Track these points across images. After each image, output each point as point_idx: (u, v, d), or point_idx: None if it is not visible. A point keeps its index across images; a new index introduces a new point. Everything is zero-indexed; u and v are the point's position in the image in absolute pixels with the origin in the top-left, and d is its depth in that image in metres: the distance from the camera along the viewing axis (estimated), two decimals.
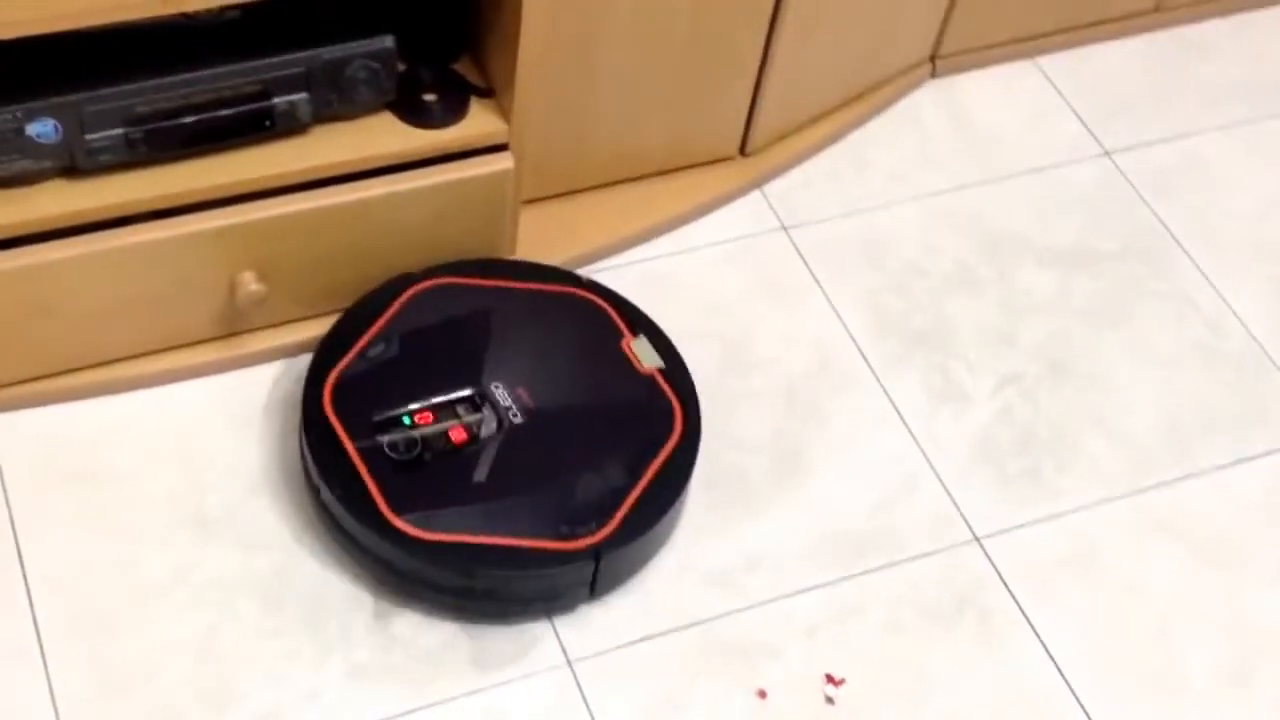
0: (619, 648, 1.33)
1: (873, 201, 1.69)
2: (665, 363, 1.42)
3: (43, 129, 1.28)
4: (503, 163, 1.44)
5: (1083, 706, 1.34)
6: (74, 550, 1.33)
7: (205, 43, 1.32)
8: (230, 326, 1.45)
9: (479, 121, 1.43)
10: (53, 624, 1.28)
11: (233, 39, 1.33)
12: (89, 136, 1.29)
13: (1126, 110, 1.82)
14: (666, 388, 1.40)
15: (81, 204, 1.33)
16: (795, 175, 1.70)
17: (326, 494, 1.33)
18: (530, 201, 1.55)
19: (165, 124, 1.31)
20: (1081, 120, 1.81)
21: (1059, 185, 1.75)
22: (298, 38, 1.34)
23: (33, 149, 1.28)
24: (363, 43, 1.34)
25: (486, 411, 1.36)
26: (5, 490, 1.36)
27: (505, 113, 1.43)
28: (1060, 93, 1.83)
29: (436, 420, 1.35)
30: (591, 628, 1.34)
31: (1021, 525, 1.46)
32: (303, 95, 1.35)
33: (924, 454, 1.49)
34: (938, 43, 1.78)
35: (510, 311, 1.44)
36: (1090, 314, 1.63)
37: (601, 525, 1.31)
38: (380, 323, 1.42)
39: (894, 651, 1.36)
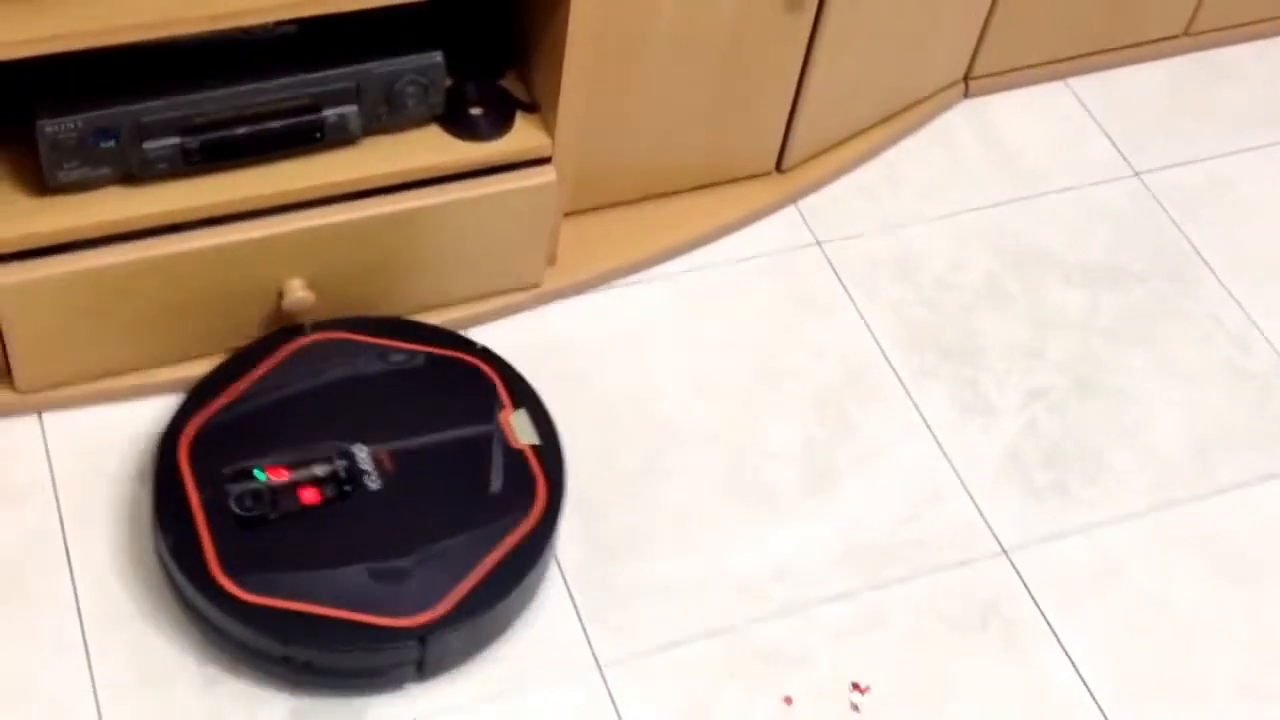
0: (648, 653, 1.34)
1: (905, 218, 1.70)
2: (541, 440, 1.35)
3: (102, 138, 1.30)
4: (546, 176, 1.46)
5: (1106, 718, 1.34)
6: (119, 546, 1.35)
7: (259, 56, 1.34)
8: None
9: (523, 135, 1.45)
10: (95, 618, 1.31)
11: (286, 53, 1.35)
12: (146, 145, 1.31)
13: (1156, 132, 1.83)
14: (536, 465, 1.34)
15: (137, 210, 1.34)
16: (829, 191, 1.71)
17: (159, 544, 1.29)
18: (570, 214, 1.56)
19: (219, 134, 1.33)
20: (1112, 141, 1.81)
21: (1089, 204, 1.75)
22: (349, 53, 1.36)
23: (92, 157, 1.30)
24: (412, 58, 1.36)
25: (343, 473, 1.30)
26: (55, 487, 1.38)
27: (549, 127, 1.44)
28: (1091, 114, 1.84)
29: (290, 476, 1.29)
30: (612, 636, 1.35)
31: (1047, 538, 1.46)
32: (353, 108, 1.36)
33: (952, 466, 1.50)
34: (971, 64, 1.78)
35: (393, 373, 1.39)
36: (1118, 331, 1.63)
37: (432, 606, 1.25)
38: (258, 372, 1.37)
39: (919, 661, 1.36)
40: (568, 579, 1.37)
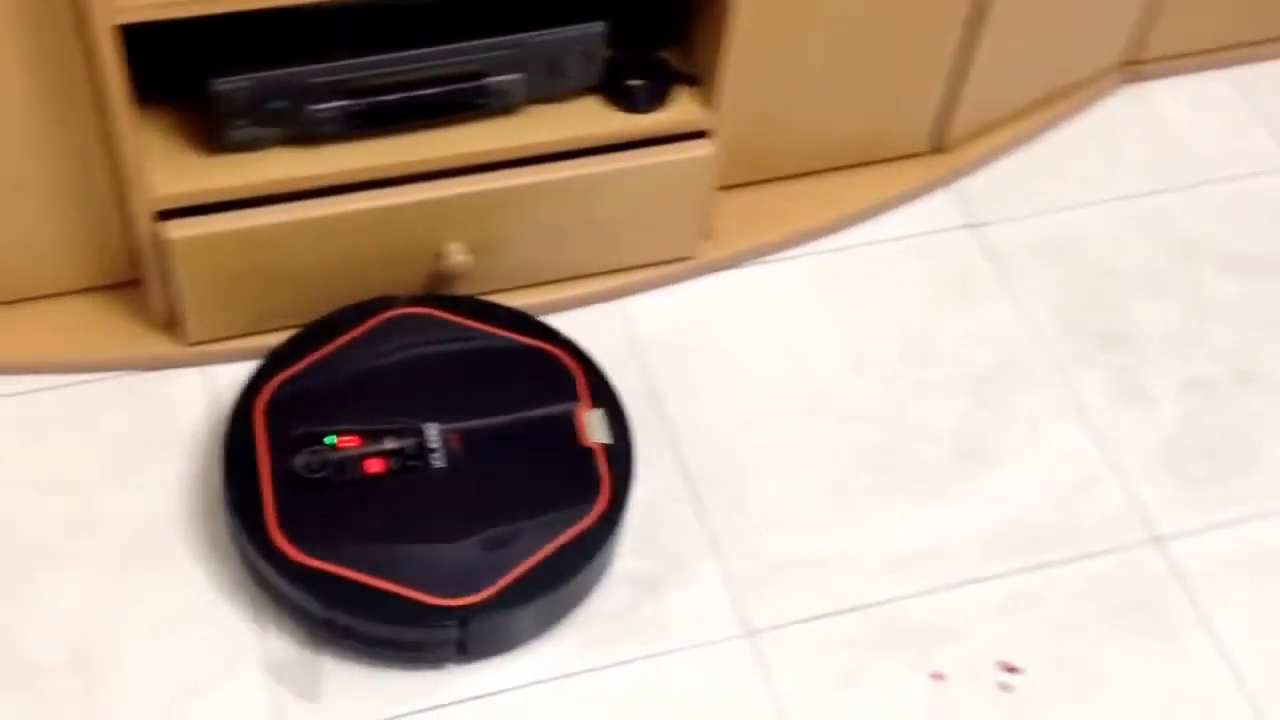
0: (799, 623, 1.33)
1: (1062, 203, 1.66)
2: (613, 440, 1.33)
3: (272, 99, 1.32)
4: (703, 149, 1.45)
5: (1257, 709, 1.30)
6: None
7: (427, 23, 1.35)
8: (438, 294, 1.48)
9: (682, 108, 1.44)
10: None
11: (453, 20, 1.36)
12: (313, 107, 1.33)
13: None
14: (604, 466, 1.31)
15: (303, 171, 1.36)
16: (985, 174, 1.68)
17: (225, 496, 1.30)
18: (725, 188, 1.56)
19: (386, 98, 1.35)
20: (1274, 133, 1.76)
21: (1249, 195, 1.70)
22: (514, 21, 1.36)
23: (261, 117, 1.33)
24: (575, 28, 1.36)
25: (410, 449, 1.30)
26: (214, 439, 1.41)
27: (708, 100, 1.44)
28: (1253, 104, 1.78)
29: (360, 446, 1.30)
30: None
31: (1201, 529, 1.42)
32: (516, 76, 1.37)
33: (1106, 453, 1.46)
34: (1135, 49, 1.74)
35: (474, 355, 1.38)
36: (1278, 323, 1.58)
37: (476, 589, 1.24)
38: (342, 340, 1.38)
39: (1070, 645, 1.33)
40: (719, 546, 1.37)
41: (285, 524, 1.26)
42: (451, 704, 1.26)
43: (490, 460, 1.31)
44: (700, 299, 1.55)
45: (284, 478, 1.29)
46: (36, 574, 1.30)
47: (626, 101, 1.43)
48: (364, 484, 1.29)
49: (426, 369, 1.37)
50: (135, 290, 1.45)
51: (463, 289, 1.47)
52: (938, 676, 1.31)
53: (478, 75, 1.36)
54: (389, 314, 1.40)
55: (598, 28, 1.37)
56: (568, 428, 1.34)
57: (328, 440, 1.30)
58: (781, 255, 1.58)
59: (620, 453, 1.33)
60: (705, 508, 1.40)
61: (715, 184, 1.51)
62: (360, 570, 1.24)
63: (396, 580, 1.24)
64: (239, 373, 1.45)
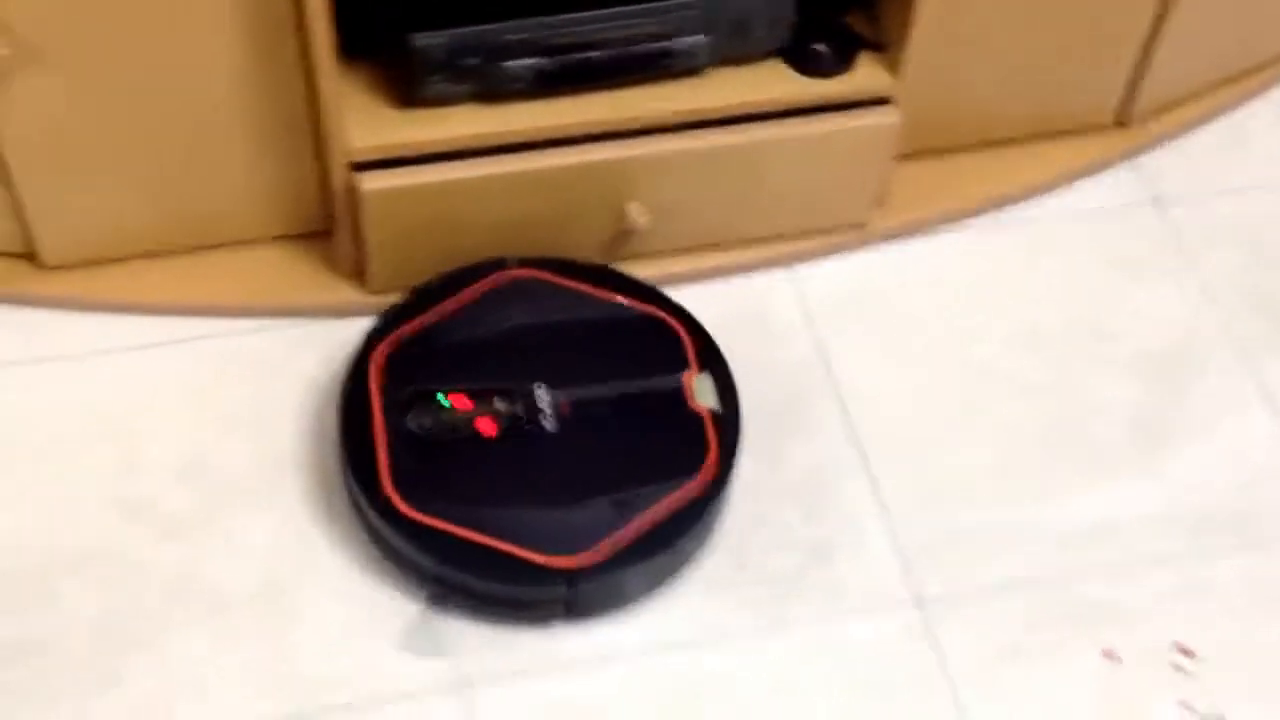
0: (970, 595, 1.33)
1: (1250, 182, 1.62)
2: (722, 407, 1.33)
3: (467, 55, 1.34)
4: (886, 117, 1.44)
5: None
6: None
7: None
8: (611, 254, 1.48)
9: (866, 74, 1.43)
10: None
11: None
12: (506, 64, 1.35)
13: None
14: (711, 431, 1.31)
15: (491, 127, 1.38)
16: (1171, 150, 1.64)
17: (340, 450, 1.32)
18: (901, 157, 1.54)
19: (576, 57, 1.36)
20: None
21: None
22: None
23: (456, 73, 1.35)
24: None
25: (521, 411, 1.31)
26: None
27: (893, 67, 1.42)
28: None
29: (472, 407, 1.31)
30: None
31: None
32: (702, 38, 1.37)
33: None
34: None
35: (586, 321, 1.39)
36: None
37: (583, 551, 1.25)
38: (458, 301, 1.38)
39: (1248, 631, 1.31)
40: (889, 514, 1.37)
41: (399, 481, 1.28)
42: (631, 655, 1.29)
43: (598, 426, 1.32)
44: (872, 267, 1.54)
45: (397, 434, 1.31)
46: (226, 511, 1.34)
47: (811, 66, 1.42)
48: (475, 444, 1.30)
49: (538, 333, 1.38)
50: (324, 240, 1.49)
51: (640, 249, 1.49)
52: (1110, 655, 1.29)
53: (665, 36, 1.36)
54: (502, 276, 1.41)
55: None
56: (676, 394, 1.34)
57: (440, 398, 1.33)
58: (957, 226, 1.56)
59: (729, 419, 1.33)
60: (875, 476, 1.40)
61: (895, 152, 1.50)
62: (469, 528, 1.26)
63: (504, 539, 1.25)
64: None
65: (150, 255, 1.46)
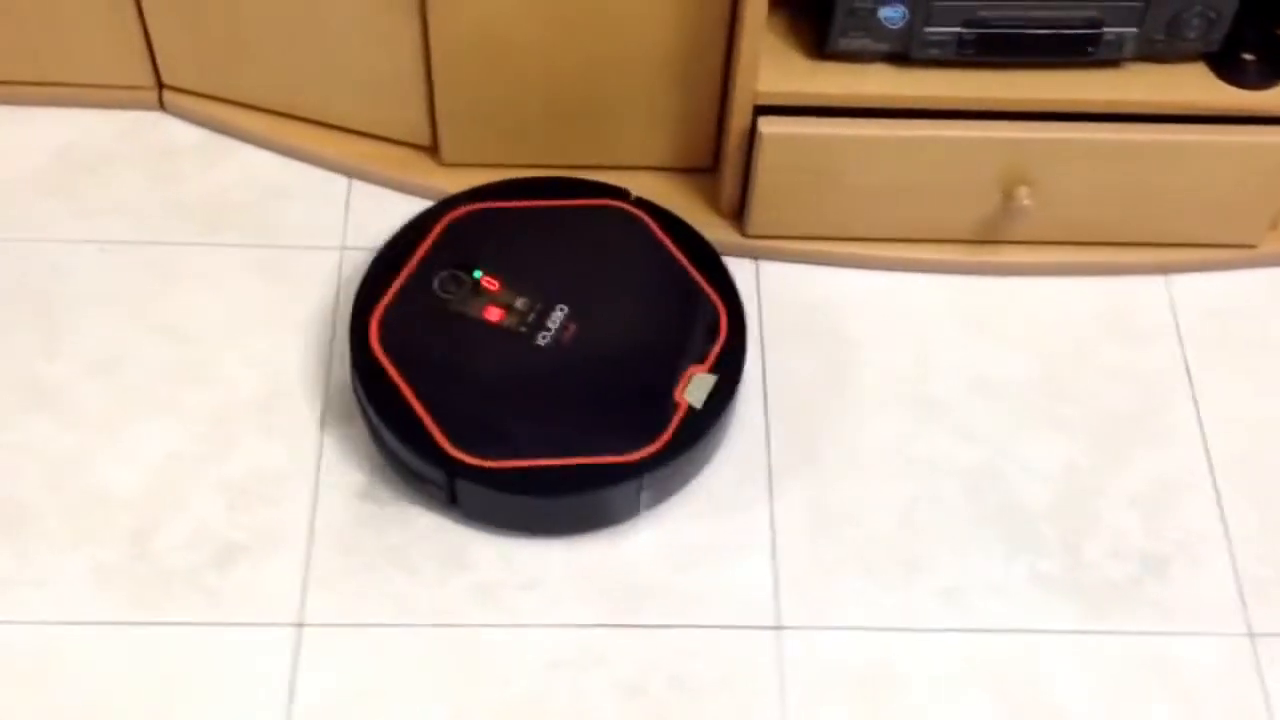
0: None
1: None
2: (702, 408, 1.27)
3: (893, 14, 1.31)
4: None
5: None
6: (803, 393, 1.37)
7: None
8: (986, 234, 1.44)
9: None
10: (779, 454, 1.34)
11: None
12: (928, 29, 1.31)
13: None
14: (677, 421, 1.26)
15: (896, 90, 1.35)
16: None
17: (359, 283, 1.35)
18: None
19: (998, 31, 1.31)
20: None
21: None
22: None
23: (877, 31, 1.32)
24: None
25: (531, 319, 1.30)
26: (762, 327, 1.42)
27: None
28: None
29: (497, 291, 1.31)
30: None
31: None
32: (1132, 30, 1.31)
33: None
34: None
35: (650, 279, 1.36)
36: None
37: (494, 459, 1.23)
38: (551, 202, 1.38)
39: None
40: (1233, 541, 1.30)
41: (385, 321, 1.30)
42: None
43: (585, 366, 1.29)
44: (1253, 289, 1.46)
45: (414, 287, 1.32)
46: None
47: (1236, 75, 1.34)
48: (469, 322, 1.30)
49: (606, 266, 1.36)
50: (707, 178, 1.48)
51: (1015, 233, 1.43)
52: None
53: (1095, 23, 1.30)
54: (614, 204, 1.39)
55: None
56: (670, 377, 1.29)
57: (476, 273, 1.32)
58: None
59: (702, 420, 1.27)
60: (1224, 500, 1.32)
61: None
62: (411, 390, 1.26)
63: (428, 416, 1.24)
64: (788, 271, 1.46)
65: (540, 167, 1.47)
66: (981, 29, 1.31)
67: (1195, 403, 1.38)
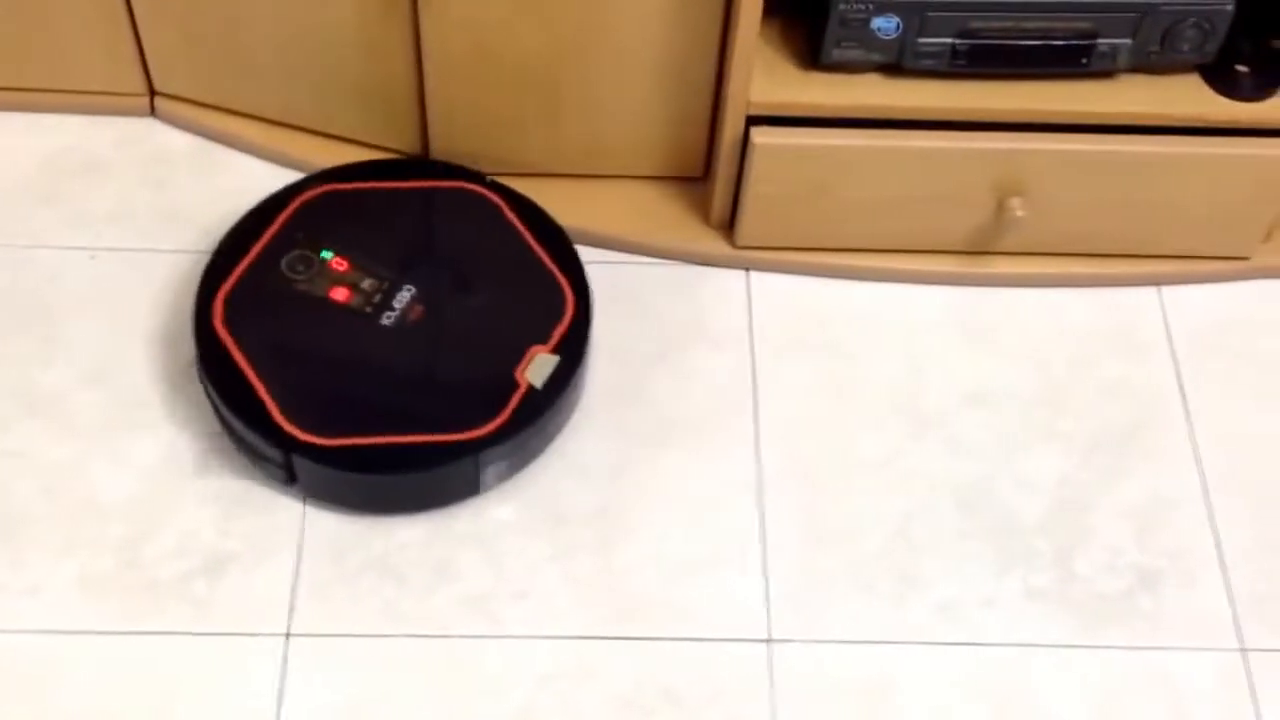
0: None
1: None
2: (543, 388, 1.25)
3: (887, 25, 1.28)
4: None
5: None
6: (796, 406, 1.36)
7: None
8: (979, 245, 1.42)
9: None
10: (771, 467, 1.32)
11: None
12: (922, 40, 1.29)
13: None
14: (516, 400, 1.24)
15: (889, 101, 1.32)
16: None
17: (210, 256, 1.31)
18: None
19: (991, 42, 1.29)
20: None
21: None
22: None
23: (871, 41, 1.29)
24: (1204, 3, 1.27)
25: (377, 299, 1.28)
26: (752, 338, 1.41)
27: None
28: None
29: (345, 272, 1.30)
30: None
31: None
32: (1127, 41, 1.29)
33: None
34: None
35: (496, 255, 1.34)
36: None
37: (325, 436, 1.21)
38: (407, 184, 1.37)
39: None
40: (1226, 556, 1.28)
41: (231, 299, 1.28)
42: None
43: (429, 345, 1.28)
44: (1246, 302, 1.44)
45: (262, 266, 1.30)
46: (570, 434, 1.33)
47: (1229, 87, 1.32)
48: (313, 302, 1.29)
49: (456, 246, 1.34)
50: (699, 188, 1.46)
51: (1008, 244, 1.41)
52: None
53: (1089, 35, 1.28)
54: (471, 186, 1.37)
55: (1227, 5, 1.27)
56: (512, 357, 1.27)
57: (325, 254, 1.31)
58: None
59: (540, 400, 1.25)
60: (1217, 514, 1.30)
61: None
62: (251, 367, 1.24)
63: (265, 393, 1.23)
64: (779, 283, 1.44)
65: (532, 176, 1.44)
66: (975, 40, 1.29)
67: (1188, 416, 1.36)
